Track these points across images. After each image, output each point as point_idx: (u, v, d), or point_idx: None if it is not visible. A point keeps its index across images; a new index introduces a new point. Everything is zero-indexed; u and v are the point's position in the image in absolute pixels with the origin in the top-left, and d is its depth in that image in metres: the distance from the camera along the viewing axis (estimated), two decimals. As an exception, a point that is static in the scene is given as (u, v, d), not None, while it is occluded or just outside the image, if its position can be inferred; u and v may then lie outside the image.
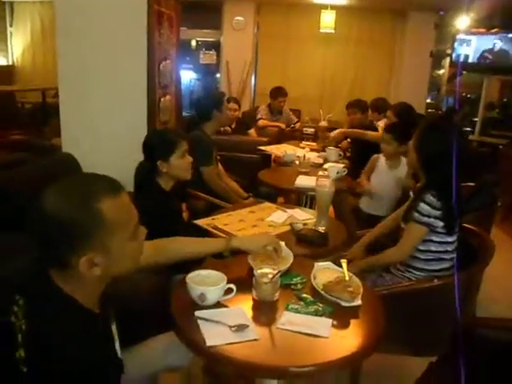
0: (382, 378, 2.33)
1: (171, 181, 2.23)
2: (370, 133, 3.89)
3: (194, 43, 8.22)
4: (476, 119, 6.76)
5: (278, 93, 5.40)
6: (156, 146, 2.21)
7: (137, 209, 2.13)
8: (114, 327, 1.22)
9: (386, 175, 3.17)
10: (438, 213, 1.93)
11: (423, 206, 1.94)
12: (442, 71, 7.67)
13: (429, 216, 1.94)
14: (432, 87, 7.61)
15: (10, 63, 8.50)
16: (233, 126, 4.78)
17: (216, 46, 7.70)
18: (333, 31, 6.27)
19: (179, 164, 2.19)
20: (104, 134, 3.06)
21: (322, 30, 6.27)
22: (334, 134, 4.04)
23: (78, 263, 0.99)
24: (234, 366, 1.22)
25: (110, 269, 1.06)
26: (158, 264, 1.55)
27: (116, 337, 1.24)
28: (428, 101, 7.55)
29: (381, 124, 4.13)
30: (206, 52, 7.84)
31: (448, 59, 6.94)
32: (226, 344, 1.23)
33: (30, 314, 0.96)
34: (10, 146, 4.48)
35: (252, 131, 4.99)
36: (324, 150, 4.00)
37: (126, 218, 1.06)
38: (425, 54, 6.88)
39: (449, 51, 6.65)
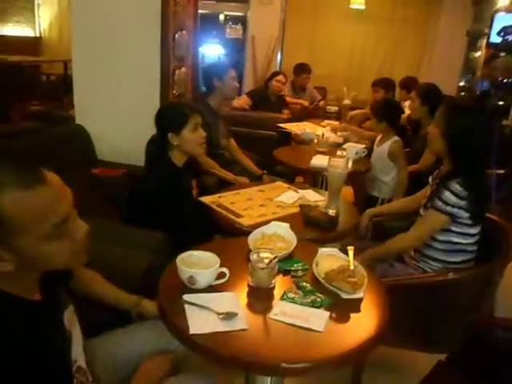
0: (385, 372, 2.22)
1: (184, 156, 2.15)
2: None
3: (221, 17, 8.03)
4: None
5: (301, 69, 5.25)
6: (167, 118, 2.15)
7: (147, 184, 2.09)
8: (67, 314, 1.12)
9: (374, 152, 3.21)
10: (463, 203, 1.78)
11: (448, 195, 1.79)
12: (478, 53, 7.30)
13: (453, 206, 1.79)
14: (466, 70, 7.26)
15: (38, 35, 8.50)
16: (273, 100, 4.71)
17: (243, 21, 7.50)
18: (363, 7, 6.04)
19: (191, 138, 2.12)
20: (115, 106, 2.97)
21: (351, 6, 6.04)
22: (353, 113, 3.90)
23: None
24: (218, 359, 1.12)
25: (28, 265, 0.94)
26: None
27: (75, 325, 1.16)
28: (461, 84, 7.21)
29: (406, 104, 3.95)
30: (233, 26, 7.65)
31: (485, 40, 6.59)
32: (211, 333, 1.14)
33: None
34: (29, 116, 4.49)
35: (287, 111, 4.85)
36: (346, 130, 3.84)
37: (37, 217, 0.90)
38: (460, 33, 6.52)
39: (486, 30, 6.31)
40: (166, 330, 1.24)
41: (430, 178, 2.08)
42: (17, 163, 0.91)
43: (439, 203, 1.82)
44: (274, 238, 1.66)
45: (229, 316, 1.19)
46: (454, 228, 1.86)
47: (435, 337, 1.90)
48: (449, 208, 1.80)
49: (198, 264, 1.34)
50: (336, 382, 2.04)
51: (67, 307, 1.14)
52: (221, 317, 1.19)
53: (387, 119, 3.11)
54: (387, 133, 3.14)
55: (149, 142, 2.54)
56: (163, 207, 2.03)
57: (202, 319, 1.18)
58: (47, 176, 0.92)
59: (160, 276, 1.40)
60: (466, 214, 1.81)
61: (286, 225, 1.71)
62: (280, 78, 4.75)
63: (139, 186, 2.15)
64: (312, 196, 2.31)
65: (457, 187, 1.78)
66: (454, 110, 1.93)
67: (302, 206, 2.09)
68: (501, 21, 5.89)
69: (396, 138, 3.10)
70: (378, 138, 3.25)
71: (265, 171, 3.18)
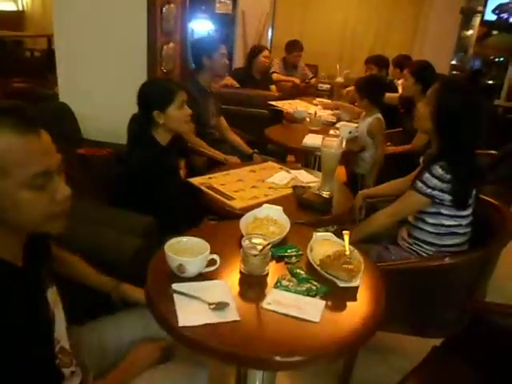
0: (377, 356, 2.20)
1: (168, 134, 2.07)
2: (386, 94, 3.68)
3: (211, -9, 7.81)
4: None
5: (293, 46, 5.14)
6: (152, 95, 2.05)
7: (130, 163, 2.02)
8: (50, 293, 1.08)
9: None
10: (444, 185, 1.74)
11: (429, 177, 1.76)
12: (470, 32, 7.19)
13: (434, 188, 1.76)
14: (458, 48, 7.17)
15: (20, 9, 8.22)
16: (258, 78, 4.57)
17: (233, -5, 7.30)
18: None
19: (177, 115, 2.04)
20: (101, 83, 2.87)
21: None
22: (347, 90, 3.83)
23: None
24: (208, 353, 1.06)
25: (6, 216, 0.92)
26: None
27: (58, 306, 1.12)
28: (453, 62, 7.12)
29: (400, 82, 3.88)
30: (222, 1, 7.44)
31: (479, 18, 6.48)
32: (202, 325, 1.08)
33: None
34: (12, 94, 4.34)
35: (274, 88, 4.73)
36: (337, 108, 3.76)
37: (21, 162, 0.90)
38: (454, 11, 6.41)
39: (480, 8, 6.20)
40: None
41: (421, 159, 2.03)
42: (19, 111, 0.93)
43: (419, 184, 1.79)
44: (266, 221, 1.60)
45: (220, 306, 1.13)
46: (444, 211, 1.82)
47: (430, 321, 1.87)
48: (429, 190, 1.77)
49: (188, 250, 1.27)
50: (327, 368, 2.02)
51: (50, 287, 1.10)
52: (212, 307, 1.13)
53: (369, 96, 3.12)
54: (370, 109, 3.15)
55: (131, 120, 2.44)
56: (147, 188, 1.95)
57: (191, 310, 1.12)
58: (42, 131, 0.95)
59: (148, 262, 1.33)
60: (449, 197, 1.77)
61: (279, 208, 1.65)
62: (266, 53, 4.58)
63: (122, 167, 2.08)
64: (305, 177, 2.25)
65: (439, 171, 1.74)
66: (447, 88, 1.86)
67: (294, 188, 2.03)
68: (496, -2, 5.80)
69: (378, 115, 3.09)
70: (363, 114, 3.25)
71: (256, 150, 3.11)
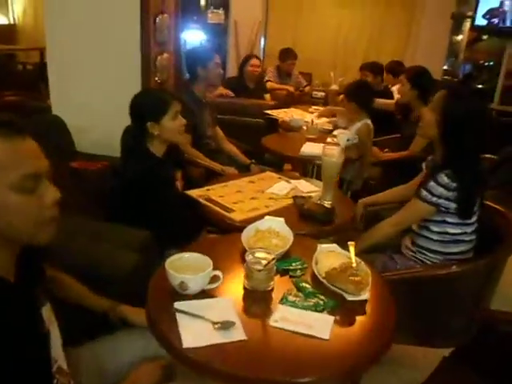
0: (385, 367, 2.14)
1: (163, 145, 2.03)
2: (381, 100, 3.67)
3: (203, 2, 7.80)
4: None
5: (287, 55, 5.12)
6: (146, 106, 2.01)
7: (125, 176, 1.97)
8: (44, 311, 1.04)
9: None
10: (450, 194, 1.71)
11: (434, 186, 1.72)
12: (460, 37, 7.23)
13: (439, 196, 1.72)
14: (449, 54, 7.19)
15: (12, 22, 8.17)
16: (252, 87, 4.53)
17: (225, 5, 7.29)
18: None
19: (171, 126, 2.00)
20: (94, 95, 2.81)
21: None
22: (342, 97, 3.82)
23: None
24: (214, 375, 1.01)
25: None
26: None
27: (53, 324, 1.07)
28: (445, 68, 7.15)
29: (394, 89, 3.87)
30: (214, 11, 7.44)
31: (469, 23, 6.50)
32: (207, 346, 1.03)
33: None
34: (4, 107, 4.28)
35: (268, 96, 4.69)
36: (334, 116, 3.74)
37: (8, 164, 0.88)
38: (445, 17, 6.43)
39: (470, 13, 6.22)
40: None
41: (424, 165, 2.00)
42: (5, 116, 0.92)
43: (424, 193, 1.75)
44: (268, 234, 1.56)
45: (225, 325, 1.08)
46: (449, 219, 1.79)
47: (436, 331, 1.82)
48: (434, 199, 1.73)
49: (189, 267, 1.23)
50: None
51: (44, 304, 1.06)
52: (216, 326, 1.08)
53: (356, 100, 3.12)
54: (358, 114, 3.14)
55: (124, 131, 2.40)
56: (143, 200, 1.91)
57: (195, 330, 1.07)
58: (28, 137, 0.93)
59: (146, 278, 1.28)
60: (454, 205, 1.74)
61: (281, 219, 1.61)
62: (254, 61, 4.48)
63: (116, 180, 2.03)
64: (304, 186, 2.21)
65: (444, 179, 1.70)
66: (454, 96, 1.83)
67: (295, 198, 1.98)
68: (486, 3, 5.82)
69: (367, 120, 3.09)
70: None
71: (253, 160, 3.07)
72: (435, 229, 1.83)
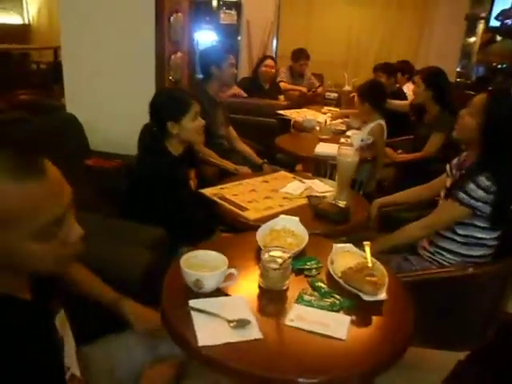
0: (401, 370, 2.11)
1: (181, 145, 2.03)
2: (395, 102, 3.65)
3: (214, 3, 7.81)
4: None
5: (299, 55, 5.10)
6: (167, 106, 2.01)
7: (141, 173, 1.97)
8: (58, 318, 1.02)
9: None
10: (489, 197, 1.66)
11: (473, 188, 1.67)
12: (473, 39, 7.16)
13: (478, 200, 1.67)
14: (463, 55, 7.12)
15: (26, 22, 8.26)
16: (266, 87, 4.53)
17: (237, 6, 7.29)
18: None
19: (191, 127, 2.00)
20: (108, 94, 2.83)
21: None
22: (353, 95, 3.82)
23: None
24: (230, 374, 1.00)
25: (5, 264, 0.82)
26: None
27: (66, 331, 1.05)
28: (458, 69, 7.08)
29: (406, 89, 3.85)
30: (227, 11, 7.44)
31: (482, 24, 6.43)
32: (222, 344, 1.02)
33: None
34: (18, 106, 4.32)
35: (282, 97, 4.68)
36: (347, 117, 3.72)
37: (27, 213, 0.77)
38: (458, 18, 6.37)
39: (483, 14, 6.15)
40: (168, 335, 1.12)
41: (448, 167, 1.96)
42: (17, 150, 0.79)
43: (461, 195, 1.70)
44: (283, 233, 1.55)
45: (241, 324, 1.07)
46: (478, 223, 1.75)
47: (454, 334, 1.79)
48: (473, 201, 1.69)
49: (204, 265, 1.22)
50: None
51: (58, 312, 1.04)
52: (232, 325, 1.07)
53: (370, 100, 3.12)
54: (371, 115, 3.12)
55: (142, 130, 2.41)
56: (160, 199, 1.91)
57: (211, 328, 1.06)
58: (47, 169, 0.81)
59: (161, 276, 1.28)
60: (489, 209, 1.69)
61: (296, 219, 1.59)
62: (268, 62, 4.51)
63: (133, 178, 2.03)
64: (319, 186, 2.19)
65: (485, 181, 1.66)
66: (497, 100, 1.77)
67: (309, 198, 1.97)
68: (500, 4, 5.75)
69: (380, 121, 3.02)
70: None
71: (265, 160, 3.06)
72: (461, 232, 1.79)
